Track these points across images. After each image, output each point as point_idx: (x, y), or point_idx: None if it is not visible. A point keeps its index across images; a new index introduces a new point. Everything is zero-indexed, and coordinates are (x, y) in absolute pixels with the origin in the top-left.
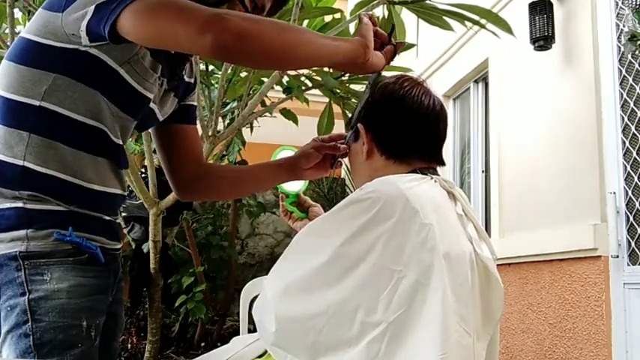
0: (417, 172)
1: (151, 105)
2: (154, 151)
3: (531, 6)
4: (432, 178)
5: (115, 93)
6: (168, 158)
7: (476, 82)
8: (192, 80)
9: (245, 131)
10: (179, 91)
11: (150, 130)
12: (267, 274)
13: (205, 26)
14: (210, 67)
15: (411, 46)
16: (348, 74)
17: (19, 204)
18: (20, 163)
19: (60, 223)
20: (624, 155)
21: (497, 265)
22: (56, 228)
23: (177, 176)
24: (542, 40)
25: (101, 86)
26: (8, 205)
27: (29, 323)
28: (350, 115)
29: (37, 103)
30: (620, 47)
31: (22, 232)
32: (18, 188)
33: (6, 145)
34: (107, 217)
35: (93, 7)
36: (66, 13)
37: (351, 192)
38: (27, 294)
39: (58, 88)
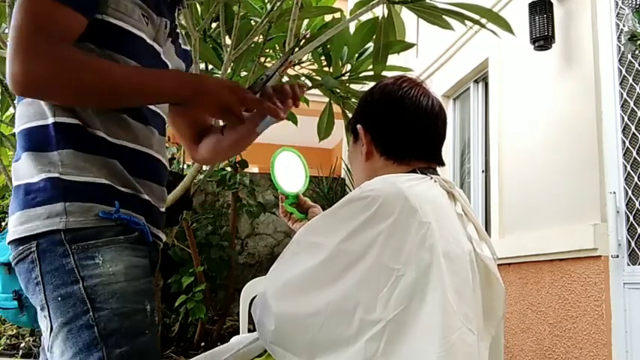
0: (417, 172)
1: (163, 58)
2: None
3: (531, 6)
4: (431, 178)
5: (119, 44)
6: (180, 128)
7: (476, 82)
8: (188, 48)
9: None
10: (179, 48)
11: None
12: (267, 273)
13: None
14: (210, 67)
15: (410, 45)
16: (347, 74)
17: (55, 174)
18: (50, 121)
19: (102, 196)
20: (624, 155)
21: (498, 265)
22: (98, 202)
23: (189, 139)
24: (542, 40)
25: (112, 46)
26: (44, 175)
27: (90, 313)
28: (350, 115)
29: None
30: (620, 47)
31: (59, 205)
32: (54, 148)
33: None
34: (147, 197)
35: None
36: None
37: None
38: (80, 281)
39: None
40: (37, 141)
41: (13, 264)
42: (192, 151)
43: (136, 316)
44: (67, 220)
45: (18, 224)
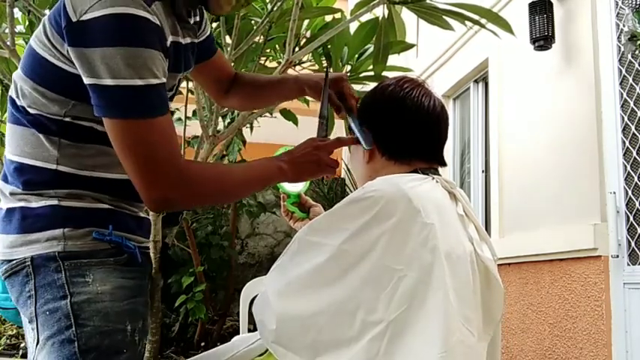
0: (419, 173)
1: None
2: None
3: (531, 6)
4: (433, 178)
5: None
6: (207, 88)
7: (476, 82)
8: (198, 18)
9: (245, 131)
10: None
11: None
12: (267, 274)
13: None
14: None
15: (411, 46)
16: (348, 74)
17: (54, 201)
18: (53, 167)
19: (98, 221)
20: (624, 155)
21: (498, 265)
22: (94, 226)
23: (218, 95)
24: (542, 40)
25: None
26: (43, 203)
27: (73, 328)
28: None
29: (63, 118)
30: (620, 47)
31: (58, 231)
32: (54, 187)
33: (38, 150)
34: (142, 214)
35: None
36: None
37: (351, 192)
38: (68, 297)
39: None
40: (36, 178)
41: (3, 277)
42: (220, 100)
43: (116, 336)
44: (66, 244)
45: (17, 246)
